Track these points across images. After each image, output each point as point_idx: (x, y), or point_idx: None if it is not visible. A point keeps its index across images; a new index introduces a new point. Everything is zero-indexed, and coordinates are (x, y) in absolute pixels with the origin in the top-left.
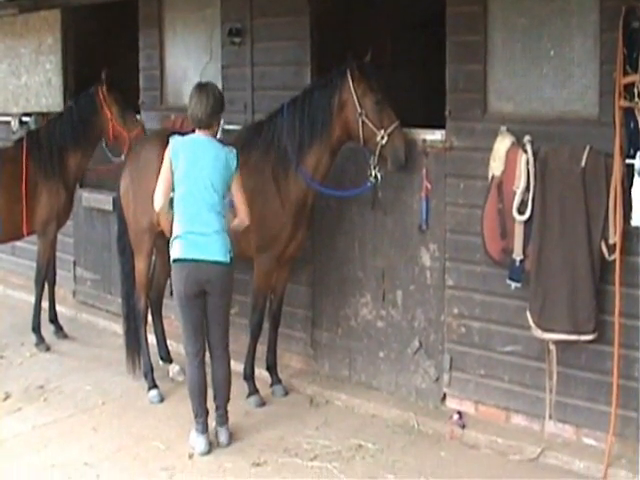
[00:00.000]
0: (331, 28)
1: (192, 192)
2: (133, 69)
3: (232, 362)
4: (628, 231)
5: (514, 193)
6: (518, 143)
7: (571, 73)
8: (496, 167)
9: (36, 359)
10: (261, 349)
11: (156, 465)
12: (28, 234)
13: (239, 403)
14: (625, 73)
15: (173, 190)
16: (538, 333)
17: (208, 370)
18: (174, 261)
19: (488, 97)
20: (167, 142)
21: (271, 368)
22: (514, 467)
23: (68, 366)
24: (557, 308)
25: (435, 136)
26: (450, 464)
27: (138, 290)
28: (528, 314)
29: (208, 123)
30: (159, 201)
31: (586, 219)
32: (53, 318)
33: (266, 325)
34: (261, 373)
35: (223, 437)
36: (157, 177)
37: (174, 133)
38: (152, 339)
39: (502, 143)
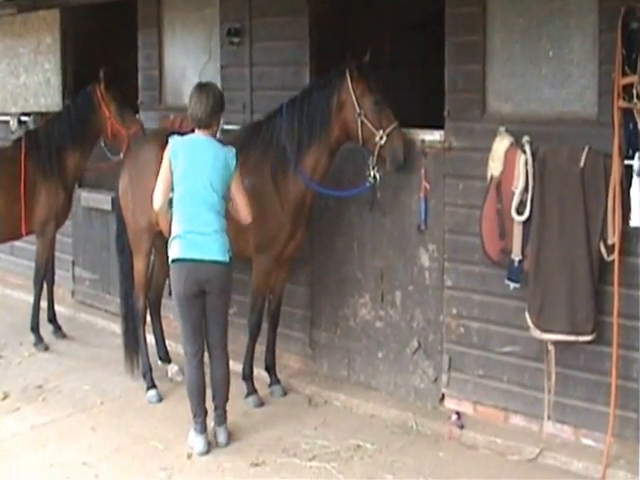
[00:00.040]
0: (330, 28)
1: (191, 192)
2: (132, 69)
3: (231, 362)
4: (627, 232)
5: (513, 193)
6: (517, 143)
7: (570, 73)
8: (495, 167)
9: (35, 359)
10: (260, 349)
11: (155, 465)
12: (27, 234)
13: (238, 403)
14: (624, 74)
15: (172, 190)
16: (537, 333)
17: (207, 370)
18: (173, 261)
19: (487, 97)
20: (166, 142)
21: (270, 368)
22: (512, 467)
23: (67, 366)
24: (556, 308)
25: (434, 136)
26: (449, 464)
27: (137, 290)
28: (527, 314)
29: (208, 123)
30: (158, 201)
31: (585, 219)
32: (52, 318)
33: (265, 325)
34: (260, 373)
35: (222, 437)
36: (156, 177)
37: (173, 133)
38: (151, 339)
39: (501, 143)
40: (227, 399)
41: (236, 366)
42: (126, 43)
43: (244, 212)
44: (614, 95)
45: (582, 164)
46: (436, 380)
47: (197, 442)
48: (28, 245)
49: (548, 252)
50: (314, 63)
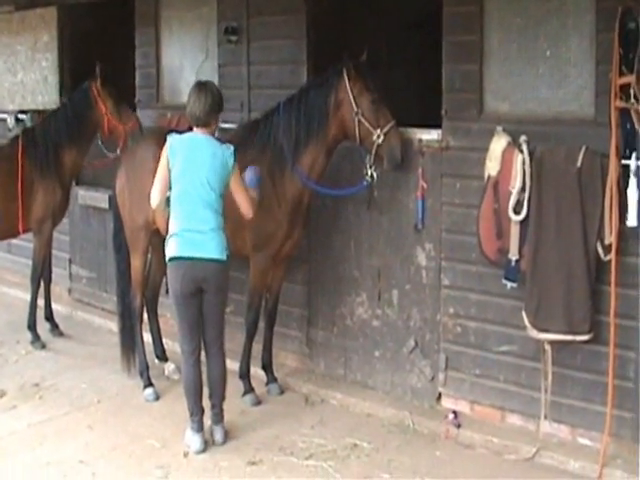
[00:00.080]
0: (327, 27)
1: (189, 190)
2: (129, 67)
3: (228, 361)
4: (624, 231)
5: (510, 193)
6: (514, 143)
7: (567, 73)
8: (492, 167)
9: (32, 357)
10: (257, 348)
11: (151, 463)
12: (24, 232)
13: (235, 401)
14: (621, 74)
15: (170, 188)
16: (534, 333)
17: (204, 368)
18: (170, 259)
19: (484, 97)
20: (163, 141)
21: (267, 367)
22: (509, 467)
23: (63, 364)
24: (553, 308)
25: (431, 136)
26: (445, 463)
27: (134, 288)
28: (524, 314)
29: (206, 121)
30: (155, 198)
31: (582, 219)
32: (49, 316)
33: (262, 324)
34: (257, 372)
35: (218, 435)
36: (153, 176)
37: (171, 132)
38: (148, 337)
39: (498, 143)
40: (224, 397)
41: (233, 364)
42: (123, 41)
43: (245, 207)
44: (611, 95)
45: (579, 164)
46: (433, 379)
47: (194, 440)
48: (25, 243)
49: (545, 252)
50: (311, 62)
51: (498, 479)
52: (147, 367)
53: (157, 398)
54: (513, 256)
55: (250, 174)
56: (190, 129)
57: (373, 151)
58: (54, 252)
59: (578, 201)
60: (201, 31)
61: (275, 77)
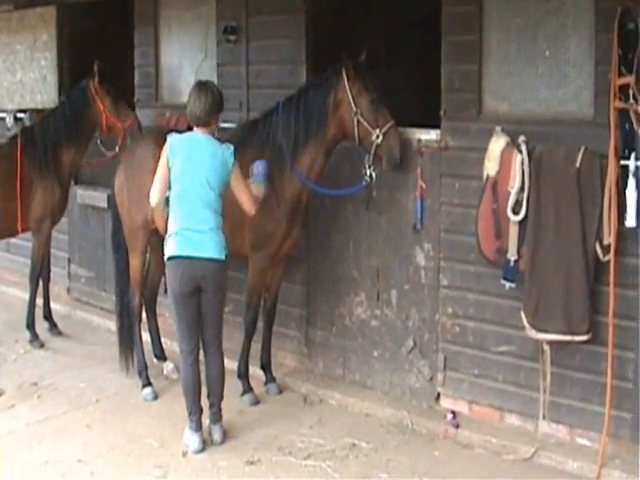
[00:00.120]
0: (326, 27)
1: (188, 189)
2: (128, 66)
3: (226, 360)
4: (622, 232)
5: (509, 193)
6: (513, 143)
7: (566, 74)
8: (491, 167)
9: (30, 356)
10: (255, 347)
11: (150, 463)
12: (23, 231)
13: (233, 401)
14: (620, 74)
15: (169, 187)
16: (532, 333)
17: (202, 368)
18: (169, 258)
19: (483, 97)
20: (162, 140)
21: (265, 366)
22: (508, 467)
23: (62, 363)
24: (551, 308)
25: (430, 136)
26: (444, 463)
27: (132, 287)
28: (522, 314)
29: (206, 121)
30: (155, 197)
31: (581, 220)
32: (47, 315)
33: (260, 323)
34: (255, 371)
35: (217, 435)
36: (152, 175)
37: (170, 131)
38: (146, 337)
39: (497, 143)
40: (222, 397)
41: (231, 364)
42: (123, 41)
43: (247, 204)
44: (610, 95)
45: (578, 164)
46: (431, 379)
47: (192, 440)
48: (24, 242)
49: (544, 252)
50: (310, 62)
51: (496, 479)
52: (146, 366)
53: (156, 397)
54: (512, 256)
55: (259, 168)
56: (189, 128)
57: (372, 151)
58: (53, 251)
59: (577, 201)
60: (200, 30)
61: (274, 77)
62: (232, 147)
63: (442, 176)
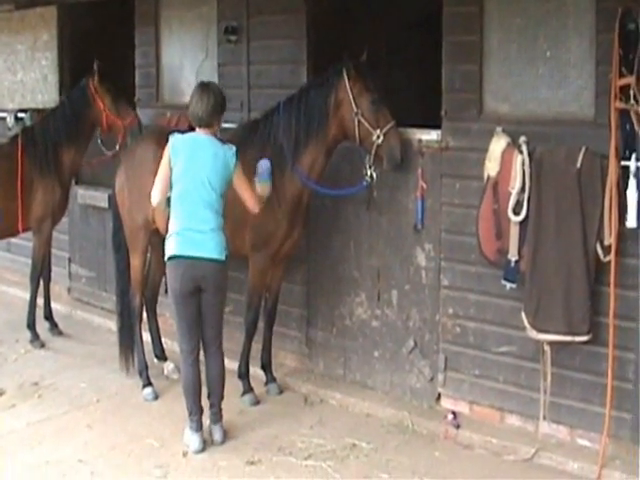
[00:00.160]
0: (327, 27)
1: (190, 189)
2: (129, 66)
3: (227, 360)
4: (623, 232)
5: (509, 194)
6: (514, 144)
7: (567, 74)
8: (492, 167)
9: (31, 356)
10: (256, 347)
11: (150, 463)
12: (23, 231)
13: (233, 401)
14: (621, 75)
15: (171, 188)
16: (533, 334)
17: (202, 368)
18: (169, 258)
19: (484, 97)
20: (163, 140)
21: (266, 366)
22: (508, 467)
23: (63, 363)
24: (552, 309)
25: (431, 136)
26: (444, 464)
27: (133, 287)
28: (523, 315)
29: (208, 122)
30: (156, 197)
31: (581, 220)
32: (48, 315)
33: (261, 324)
34: (256, 371)
35: (217, 435)
36: (152, 175)
37: (172, 131)
38: (147, 337)
39: (498, 144)
40: (222, 397)
41: (232, 364)
42: (123, 40)
43: (250, 203)
44: (611, 96)
45: (579, 165)
46: (432, 380)
47: (193, 440)
48: (25, 242)
49: (544, 252)
50: (311, 62)
51: (497, 479)
52: (146, 366)
53: (156, 397)
54: (512, 257)
55: (263, 167)
56: (190, 128)
57: (373, 151)
58: (53, 251)
59: (578, 202)
60: (201, 30)
61: (275, 77)
62: (234, 148)
63: (443, 176)
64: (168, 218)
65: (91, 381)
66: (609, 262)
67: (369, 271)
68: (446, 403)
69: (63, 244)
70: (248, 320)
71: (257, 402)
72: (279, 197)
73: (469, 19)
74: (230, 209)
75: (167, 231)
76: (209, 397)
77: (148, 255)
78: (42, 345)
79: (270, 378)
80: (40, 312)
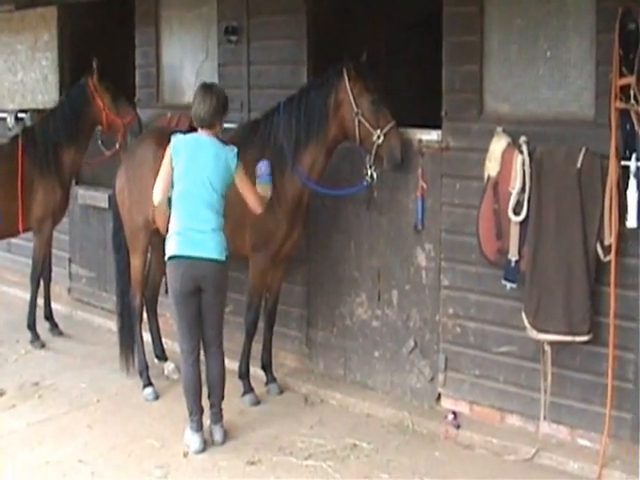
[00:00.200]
0: (327, 28)
1: (191, 189)
2: (129, 66)
3: (227, 360)
4: (623, 232)
5: (510, 194)
6: (514, 144)
7: (567, 74)
8: (492, 168)
9: (31, 356)
10: (256, 347)
11: (151, 463)
12: (24, 231)
13: (234, 401)
14: (621, 75)
15: (172, 187)
16: (533, 334)
17: (203, 368)
18: (169, 258)
19: (484, 98)
20: (163, 141)
21: (266, 367)
22: (508, 467)
23: (63, 363)
24: (552, 309)
25: (431, 136)
26: (444, 464)
27: (133, 288)
28: (523, 315)
29: (210, 123)
30: (158, 196)
31: (582, 220)
32: (48, 315)
33: (261, 324)
34: (256, 371)
35: (218, 435)
36: (153, 175)
37: (171, 132)
38: (147, 337)
39: (498, 144)
40: (223, 397)
41: (232, 364)
42: (124, 41)
43: (253, 203)
44: (611, 96)
45: (579, 165)
46: (432, 380)
47: (193, 440)
48: (25, 242)
49: (545, 252)
50: (311, 62)
51: (497, 479)
52: (146, 366)
53: (156, 398)
54: (513, 257)
55: (262, 168)
56: (190, 129)
57: (373, 151)
58: (54, 251)
59: (578, 202)
60: (201, 31)
61: (275, 77)
62: (235, 149)
63: (443, 176)
64: (169, 218)
65: (91, 381)
66: (609, 262)
67: (369, 271)
68: (446, 403)
69: (63, 244)
70: (248, 320)
71: (257, 402)
72: (279, 197)
73: (469, 19)
74: (230, 209)
75: (167, 231)
76: (209, 397)
77: (148, 255)
78: (42, 345)
79: (270, 378)
80: (40, 312)
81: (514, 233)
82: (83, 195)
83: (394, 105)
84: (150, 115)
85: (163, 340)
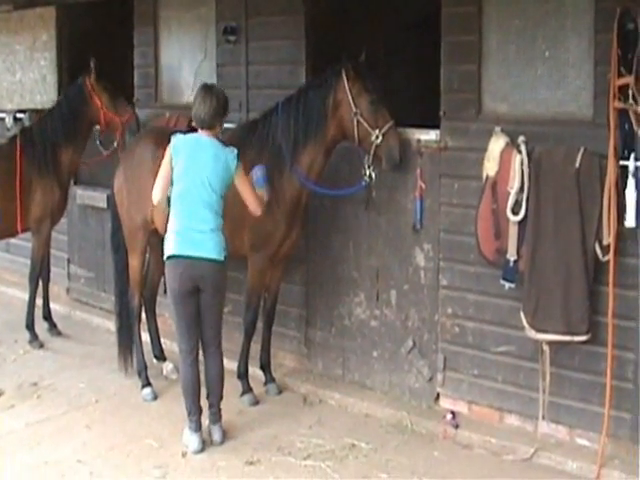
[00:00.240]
0: (326, 28)
1: (190, 189)
2: (128, 67)
3: (226, 360)
4: (622, 232)
5: (508, 193)
6: (512, 144)
7: (566, 74)
8: (490, 167)
9: (30, 356)
10: (255, 348)
11: (149, 463)
12: (22, 231)
13: (233, 401)
14: (619, 75)
15: (171, 186)
16: (532, 333)
17: (201, 368)
18: (168, 258)
19: (483, 97)
20: (162, 141)
21: (265, 367)
22: (507, 467)
23: (62, 363)
24: (551, 309)
25: (430, 136)
26: (443, 464)
27: (132, 288)
28: (522, 314)
29: (210, 124)
30: (157, 195)
31: (580, 220)
32: (47, 315)
33: (260, 324)
34: (255, 372)
35: (216, 435)
36: (151, 176)
37: (170, 132)
38: (146, 337)
39: (496, 143)
40: (221, 397)
41: (231, 364)
42: (122, 41)
43: (253, 205)
44: (610, 96)
45: (577, 165)
46: (431, 379)
47: (192, 440)
48: (24, 242)
49: (543, 252)
50: (310, 62)
51: (496, 479)
52: (145, 367)
53: (155, 398)
54: (511, 256)
55: (258, 174)
56: (189, 129)
57: (372, 151)
58: (52, 251)
59: (576, 202)
60: (200, 31)
61: (274, 77)
62: (235, 151)
63: (441, 176)
64: (167, 217)
65: (90, 381)
66: (608, 262)
67: (368, 271)
68: (445, 403)
69: (62, 244)
70: (247, 320)
71: (256, 402)
72: (278, 198)
73: (468, 19)
74: (229, 209)
75: (166, 230)
76: (208, 397)
77: (147, 255)
78: (41, 345)
79: (269, 378)
80: (39, 312)
81: (512, 233)
82: (81, 195)
83: (393, 105)
84: (148, 115)
85: (162, 340)
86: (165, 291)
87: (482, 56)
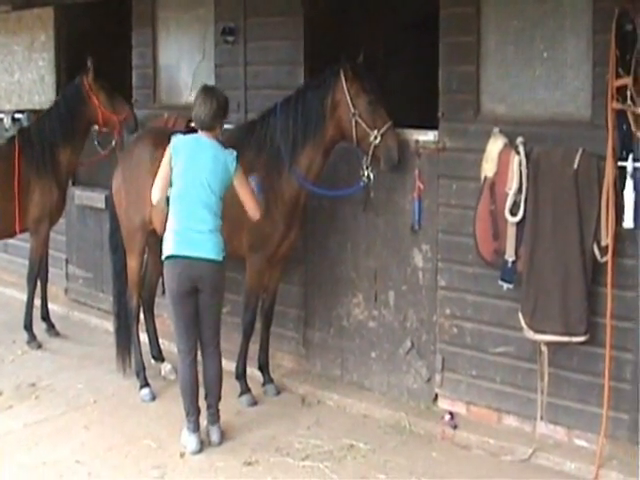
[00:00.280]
0: (324, 29)
1: (189, 189)
2: (127, 67)
3: (224, 361)
4: (620, 233)
5: (506, 194)
6: (511, 144)
7: (564, 75)
8: (489, 168)
9: (28, 357)
10: (253, 348)
11: (147, 464)
12: (21, 232)
13: (231, 402)
14: (617, 75)
15: (170, 186)
16: (530, 334)
17: (200, 369)
18: (167, 258)
19: (481, 98)
20: (160, 141)
21: (263, 367)
22: (505, 468)
23: (60, 364)
24: (549, 309)
25: (428, 137)
26: (441, 464)
27: (130, 288)
28: (520, 315)
29: (210, 125)
30: (156, 195)
31: (578, 221)
32: (45, 316)
33: (258, 324)
34: (253, 372)
35: (215, 436)
36: (150, 176)
37: (168, 133)
38: (144, 338)
39: (495, 144)
40: (220, 398)
41: (229, 365)
42: (121, 41)
43: (251, 209)
44: (608, 97)
45: (576, 165)
46: (429, 380)
47: (190, 441)
48: (22, 243)
49: (541, 253)
50: (308, 63)
51: None
52: (143, 367)
53: (153, 398)
54: (509, 257)
55: (252, 184)
56: (187, 130)
57: (370, 152)
58: (51, 252)
59: (575, 203)
60: (198, 32)
61: (272, 78)
62: (235, 153)
63: (440, 177)
64: (166, 217)
65: (88, 382)
66: (606, 263)
67: (366, 272)
68: (443, 404)
69: (60, 245)
70: (245, 321)
71: (254, 403)
72: (276, 198)
73: (466, 20)
74: (228, 210)
75: (164, 231)
76: (206, 398)
77: (145, 256)
78: (39, 346)
79: (267, 379)
80: (37, 313)
81: (511, 234)
82: (80, 196)
83: (391, 106)
84: (147, 116)
85: (160, 341)
86: (163, 292)
87: (480, 57)
